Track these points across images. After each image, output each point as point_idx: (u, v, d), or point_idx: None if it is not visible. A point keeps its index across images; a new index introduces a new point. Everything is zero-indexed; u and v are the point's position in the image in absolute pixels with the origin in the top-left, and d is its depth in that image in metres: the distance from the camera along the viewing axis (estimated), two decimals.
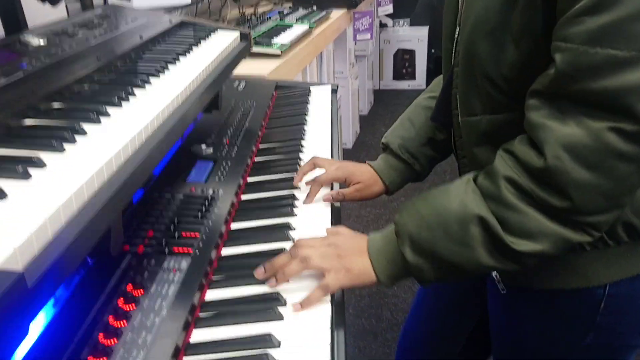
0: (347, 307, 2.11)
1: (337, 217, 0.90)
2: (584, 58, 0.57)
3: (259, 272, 0.71)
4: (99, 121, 0.70)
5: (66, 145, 0.62)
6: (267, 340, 0.60)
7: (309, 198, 0.93)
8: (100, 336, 0.58)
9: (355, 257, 0.72)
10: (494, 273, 0.82)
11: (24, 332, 0.43)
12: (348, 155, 3.38)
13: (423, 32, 4.33)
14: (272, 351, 0.59)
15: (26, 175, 0.54)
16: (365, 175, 0.96)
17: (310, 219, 0.88)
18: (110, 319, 0.61)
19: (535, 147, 0.63)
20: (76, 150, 0.62)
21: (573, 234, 0.63)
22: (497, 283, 0.82)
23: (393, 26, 4.40)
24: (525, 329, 0.83)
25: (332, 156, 1.11)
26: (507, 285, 0.82)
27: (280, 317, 0.65)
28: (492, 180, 0.66)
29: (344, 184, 0.98)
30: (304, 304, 0.67)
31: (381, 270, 0.72)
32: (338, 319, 0.64)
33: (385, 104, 4.23)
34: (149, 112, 0.74)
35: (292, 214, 0.89)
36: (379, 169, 0.98)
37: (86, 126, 0.67)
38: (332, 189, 0.98)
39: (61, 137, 0.63)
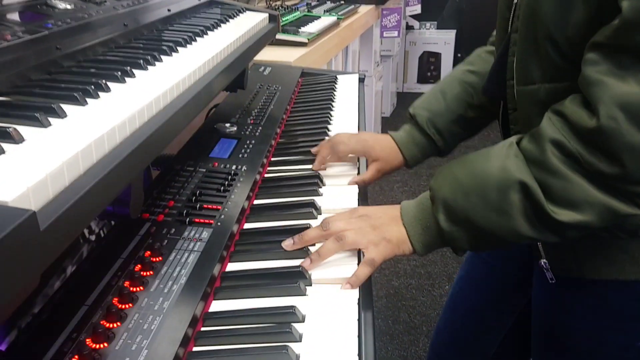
0: None
1: (364, 197, 0.86)
2: None
3: (288, 244, 0.68)
4: (123, 81, 0.67)
5: (89, 100, 0.60)
6: (291, 313, 0.56)
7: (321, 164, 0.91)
8: (115, 300, 0.55)
9: (391, 226, 0.68)
10: (543, 260, 0.76)
11: (34, 280, 0.40)
12: None
13: (450, 35, 4.28)
14: (296, 325, 0.55)
15: (46, 123, 0.52)
16: (386, 150, 0.92)
17: (336, 198, 0.84)
18: (126, 283, 0.58)
19: (588, 106, 0.58)
20: (99, 105, 0.59)
21: (621, 204, 0.58)
22: (545, 272, 0.76)
23: (419, 28, 4.35)
24: (572, 326, 0.76)
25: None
26: (556, 274, 0.75)
27: (303, 293, 0.61)
28: (537, 144, 0.61)
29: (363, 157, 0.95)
30: (352, 282, 0.62)
31: (416, 238, 0.68)
32: (366, 297, 0.59)
33: (408, 107, 4.17)
34: (175, 76, 0.72)
35: (317, 193, 0.85)
36: (400, 142, 0.94)
37: (111, 84, 0.64)
38: (358, 160, 0.95)
39: (84, 91, 0.60)
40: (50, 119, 0.53)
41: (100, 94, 0.62)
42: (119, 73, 0.67)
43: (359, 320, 0.55)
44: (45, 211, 0.41)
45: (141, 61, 0.73)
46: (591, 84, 0.57)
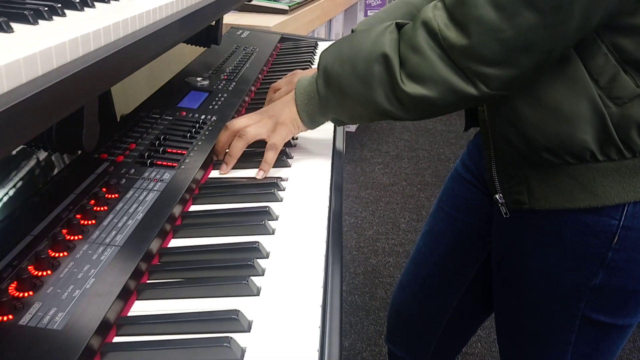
0: None
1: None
2: None
3: (223, 168, 0.73)
4: (82, 9, 0.63)
5: (40, 21, 0.55)
6: (254, 249, 0.53)
7: None
8: (63, 231, 0.51)
9: (284, 110, 0.74)
10: (498, 195, 0.74)
11: None
12: (351, 138, 3.31)
13: None
14: (260, 261, 0.52)
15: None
16: None
17: (310, 148, 0.81)
18: (78, 216, 0.54)
19: None
20: (52, 25, 0.55)
21: (461, 82, 0.62)
22: (500, 207, 0.75)
23: None
24: (528, 266, 0.75)
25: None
26: (510, 208, 0.74)
27: (270, 231, 0.58)
28: (413, 24, 0.65)
29: None
30: (264, 168, 0.71)
31: (302, 108, 0.73)
32: (335, 234, 0.56)
33: None
34: (139, 9, 0.67)
35: (290, 145, 0.82)
36: None
37: (67, 11, 0.60)
38: None
39: (36, 11, 0.56)
40: None
41: (54, 17, 0.58)
42: (78, 2, 0.63)
43: (326, 256, 0.52)
44: None
45: None
46: None
